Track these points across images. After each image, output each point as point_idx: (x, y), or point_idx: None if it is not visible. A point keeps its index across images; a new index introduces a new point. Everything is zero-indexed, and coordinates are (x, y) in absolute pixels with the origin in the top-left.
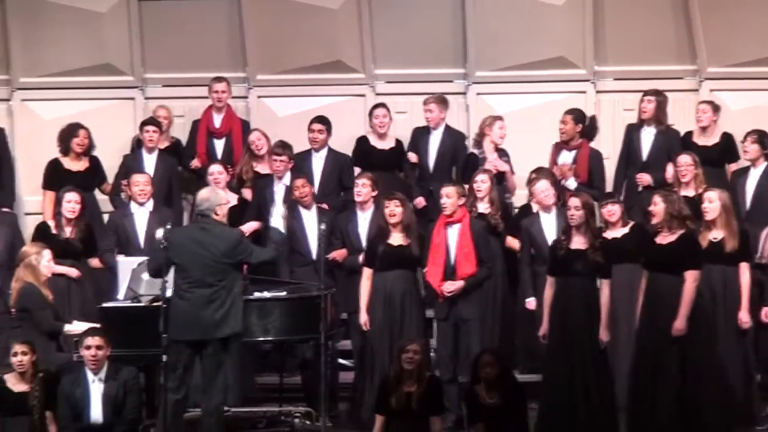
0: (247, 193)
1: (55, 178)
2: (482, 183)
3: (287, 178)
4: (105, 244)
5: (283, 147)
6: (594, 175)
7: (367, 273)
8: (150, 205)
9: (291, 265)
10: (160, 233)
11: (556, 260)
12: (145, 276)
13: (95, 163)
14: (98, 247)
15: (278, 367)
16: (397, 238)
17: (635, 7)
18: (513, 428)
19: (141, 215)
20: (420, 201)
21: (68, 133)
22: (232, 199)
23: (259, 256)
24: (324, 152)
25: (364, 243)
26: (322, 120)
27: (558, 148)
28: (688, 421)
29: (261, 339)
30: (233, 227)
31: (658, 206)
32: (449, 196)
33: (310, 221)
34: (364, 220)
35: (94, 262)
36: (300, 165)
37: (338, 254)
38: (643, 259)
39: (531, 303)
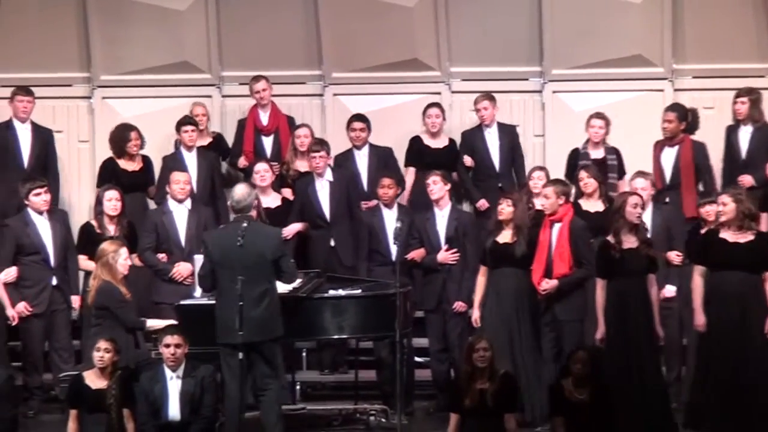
0: (288, 193)
1: (110, 177)
2: (539, 180)
3: (329, 174)
4: (144, 242)
5: (321, 143)
6: (701, 167)
7: (481, 270)
8: (188, 203)
9: (370, 264)
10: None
11: (609, 262)
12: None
13: (148, 163)
14: (138, 245)
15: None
16: (505, 236)
17: (714, 3)
18: (596, 428)
19: (180, 213)
20: (483, 204)
21: (120, 136)
22: (276, 199)
23: (289, 265)
24: (366, 149)
25: (442, 241)
26: (362, 118)
27: (660, 145)
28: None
29: (335, 337)
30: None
31: (728, 206)
32: (548, 197)
33: (391, 221)
34: (442, 218)
35: (136, 260)
36: (344, 164)
37: (416, 254)
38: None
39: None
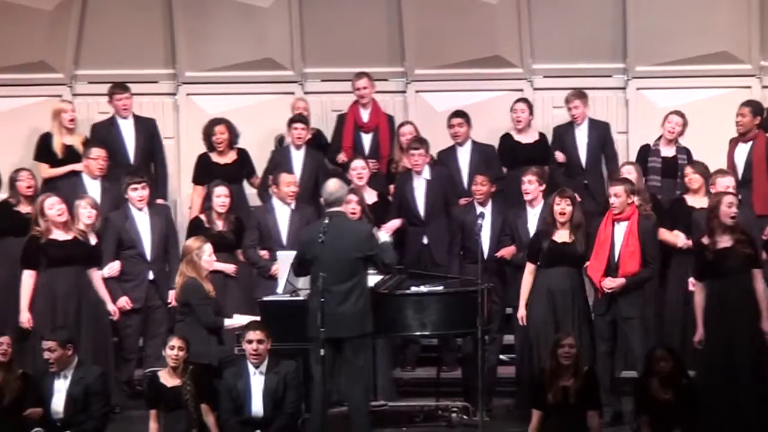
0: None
1: (204, 172)
2: (628, 174)
3: (426, 173)
4: (248, 239)
5: (420, 141)
6: None
7: (529, 268)
8: (292, 202)
9: (462, 261)
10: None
11: (705, 263)
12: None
13: (243, 155)
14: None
15: (436, 361)
16: (562, 235)
17: None
18: (681, 427)
19: (283, 212)
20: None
21: (207, 130)
22: (372, 195)
23: (384, 257)
24: (468, 145)
25: None
26: (461, 114)
27: (734, 142)
28: None
29: (417, 333)
30: (376, 224)
31: None
32: (618, 195)
33: (484, 218)
34: (533, 216)
35: (240, 256)
36: (446, 161)
37: (506, 251)
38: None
39: None
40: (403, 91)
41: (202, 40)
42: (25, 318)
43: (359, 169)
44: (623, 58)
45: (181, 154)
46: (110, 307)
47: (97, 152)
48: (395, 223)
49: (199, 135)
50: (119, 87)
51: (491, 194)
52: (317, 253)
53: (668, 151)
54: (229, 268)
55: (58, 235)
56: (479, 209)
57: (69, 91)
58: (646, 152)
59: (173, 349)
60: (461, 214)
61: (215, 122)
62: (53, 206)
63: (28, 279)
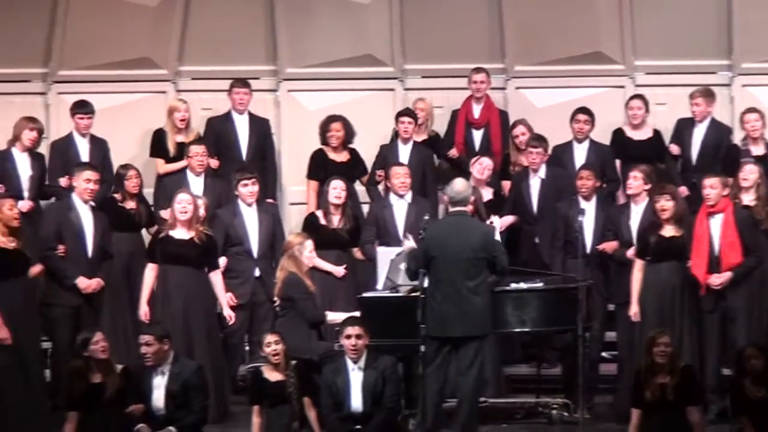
0: (508, 186)
1: (320, 168)
2: (750, 174)
3: (542, 172)
4: (365, 235)
5: (539, 139)
6: None
7: (638, 265)
8: (409, 196)
9: (565, 256)
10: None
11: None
12: (403, 266)
13: (355, 155)
14: (359, 238)
15: (536, 358)
16: (669, 230)
17: None
18: None
19: (400, 207)
20: (683, 190)
21: (323, 126)
22: (488, 193)
23: (504, 260)
24: (586, 143)
25: (634, 236)
26: (586, 111)
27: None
28: None
29: (517, 330)
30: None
31: None
32: (713, 187)
33: (588, 213)
34: (636, 214)
35: (356, 254)
36: (561, 156)
37: (608, 246)
38: None
39: None
40: (503, 88)
41: (303, 36)
42: (142, 312)
43: (486, 165)
44: (728, 55)
45: (283, 151)
46: (226, 311)
47: (196, 149)
48: (509, 219)
49: (299, 131)
50: (239, 82)
51: (596, 190)
52: (439, 252)
53: (758, 150)
54: (338, 271)
55: (179, 232)
56: (582, 204)
57: (173, 88)
58: (737, 152)
59: (269, 345)
60: (564, 208)
61: (332, 119)
62: (181, 202)
63: (149, 272)
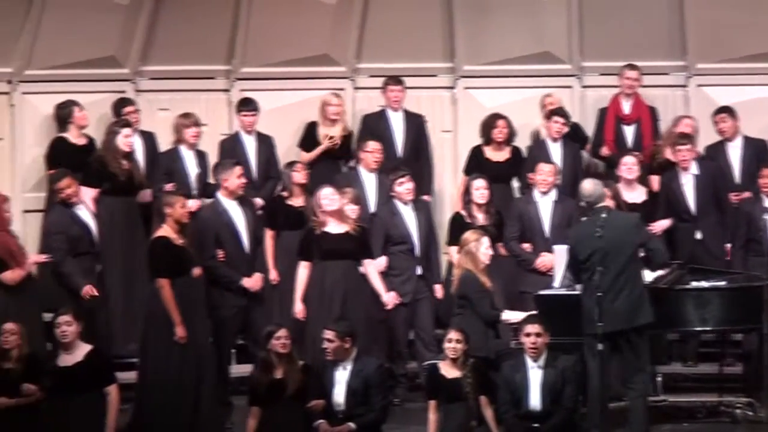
0: (654, 181)
1: (475, 165)
2: None
3: (694, 168)
4: (509, 231)
5: (687, 137)
6: None
7: None
8: (554, 194)
9: (746, 254)
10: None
11: None
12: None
13: (517, 153)
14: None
15: (716, 356)
16: None
17: None
18: None
19: (545, 204)
20: None
21: (488, 124)
22: (642, 193)
23: (660, 253)
24: (739, 140)
25: None
26: (724, 109)
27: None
28: None
29: (699, 329)
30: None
31: None
32: None
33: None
34: None
35: (501, 250)
36: (714, 156)
37: None
38: None
39: None
40: (684, 86)
41: (480, 33)
42: (298, 309)
43: (630, 165)
44: None
45: (458, 148)
46: (384, 298)
47: (373, 145)
48: (664, 223)
49: (476, 128)
50: (393, 80)
51: None
52: (595, 249)
53: None
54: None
55: (332, 227)
56: (766, 202)
57: (351, 85)
58: None
59: (451, 341)
60: (747, 206)
61: (498, 116)
62: (326, 197)
63: (303, 270)
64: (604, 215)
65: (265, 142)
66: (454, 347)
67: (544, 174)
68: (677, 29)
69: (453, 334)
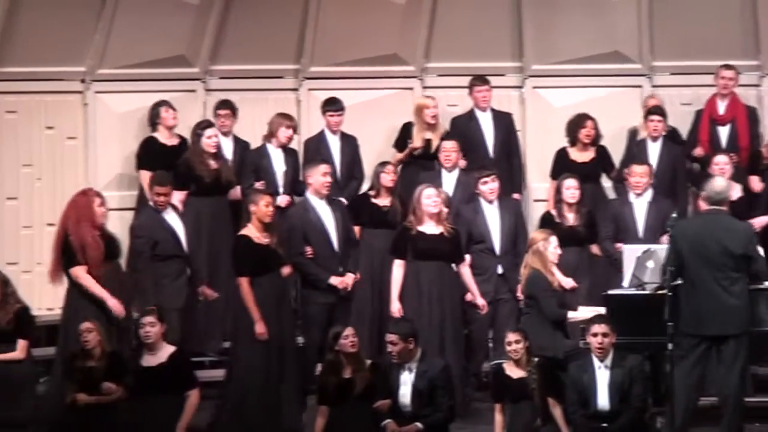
0: (755, 180)
1: (560, 167)
2: None
3: None
4: (604, 231)
5: None
6: None
7: None
8: (649, 195)
9: None
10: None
11: None
12: (650, 264)
13: (602, 152)
14: (598, 234)
15: None
16: None
17: None
18: None
19: (640, 205)
20: None
21: (575, 124)
22: (737, 191)
23: (760, 265)
24: None
25: None
26: None
27: None
28: None
29: None
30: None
31: None
32: None
33: None
34: None
35: (594, 249)
36: None
37: None
38: None
39: None
40: (758, 85)
41: (549, 32)
42: (395, 308)
43: (722, 164)
44: None
45: (527, 148)
46: (479, 302)
47: (449, 144)
48: (764, 219)
49: (544, 128)
50: (479, 79)
51: None
52: (697, 250)
53: None
54: (568, 282)
55: (428, 228)
56: None
57: (419, 84)
58: None
59: (511, 344)
60: None
61: (586, 117)
62: (429, 196)
63: (397, 269)
64: (712, 217)
65: (349, 142)
66: (515, 349)
67: (637, 175)
68: (750, 28)
69: (511, 336)
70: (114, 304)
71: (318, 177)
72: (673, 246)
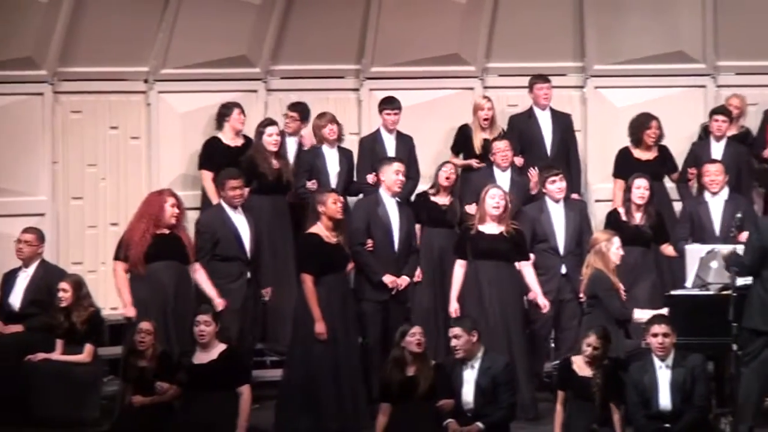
0: None
1: (626, 166)
2: None
3: None
4: (680, 232)
5: None
6: None
7: None
8: (725, 193)
9: None
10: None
11: None
12: (714, 264)
13: (664, 152)
14: (671, 235)
15: None
16: None
17: None
18: None
19: (716, 203)
20: None
21: (640, 124)
22: None
23: None
24: None
25: None
26: None
27: None
28: None
29: None
30: None
31: None
32: None
33: None
34: None
35: (668, 250)
36: None
37: None
38: None
39: None
40: None
41: (611, 32)
42: (452, 308)
43: None
44: None
45: (588, 147)
46: (541, 301)
47: (499, 145)
48: None
49: (606, 128)
50: (539, 78)
51: None
52: None
53: None
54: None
55: (489, 227)
56: None
57: (480, 84)
58: None
59: (590, 346)
60: None
61: (650, 117)
62: (494, 197)
63: (459, 269)
64: None
65: (405, 142)
66: (592, 354)
67: (711, 174)
68: None
69: (593, 339)
70: (129, 309)
71: (390, 174)
72: (758, 242)
